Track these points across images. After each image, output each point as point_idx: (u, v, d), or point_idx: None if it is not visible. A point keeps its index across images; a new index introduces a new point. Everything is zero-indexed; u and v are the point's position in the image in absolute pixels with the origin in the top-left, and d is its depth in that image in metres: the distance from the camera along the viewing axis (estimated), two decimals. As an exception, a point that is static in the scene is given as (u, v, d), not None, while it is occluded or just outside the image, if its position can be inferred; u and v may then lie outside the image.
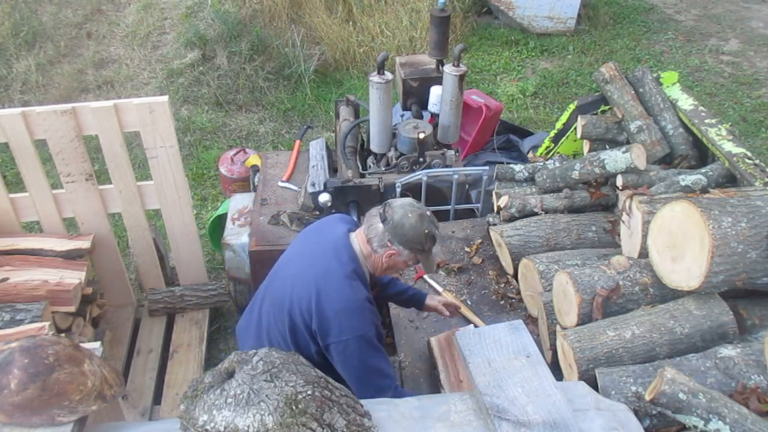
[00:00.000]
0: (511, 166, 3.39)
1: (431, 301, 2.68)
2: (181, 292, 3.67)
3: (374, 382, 2.12)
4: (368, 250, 2.22)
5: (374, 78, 3.32)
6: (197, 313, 3.69)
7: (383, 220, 2.17)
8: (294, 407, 1.27)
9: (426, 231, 2.16)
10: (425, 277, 3.02)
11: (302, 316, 2.15)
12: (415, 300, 2.68)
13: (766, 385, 1.99)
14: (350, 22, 6.52)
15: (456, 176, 3.35)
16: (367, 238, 2.21)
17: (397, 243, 2.17)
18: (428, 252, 2.24)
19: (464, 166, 3.86)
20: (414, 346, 2.73)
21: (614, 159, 2.86)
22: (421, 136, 3.40)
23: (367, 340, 2.11)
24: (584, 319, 2.35)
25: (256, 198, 3.60)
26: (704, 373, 2.05)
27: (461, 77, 3.35)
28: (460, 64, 3.33)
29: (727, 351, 2.09)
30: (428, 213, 2.22)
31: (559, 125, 3.70)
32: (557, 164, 3.24)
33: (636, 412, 1.81)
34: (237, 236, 3.38)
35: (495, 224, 3.17)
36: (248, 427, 1.24)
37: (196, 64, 6.03)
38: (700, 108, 3.20)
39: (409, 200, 2.25)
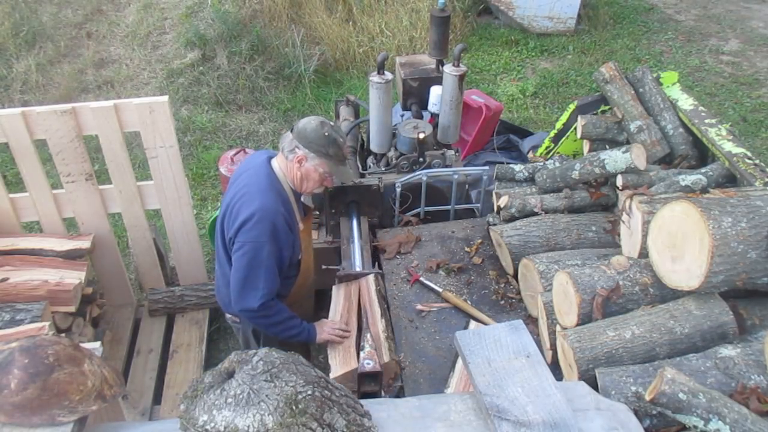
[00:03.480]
0: (511, 166, 3.39)
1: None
2: (181, 292, 3.67)
3: (248, 290, 2.39)
4: (284, 163, 2.47)
5: (374, 78, 3.32)
6: (197, 313, 3.69)
7: (291, 130, 2.44)
8: (294, 407, 1.27)
9: (326, 133, 2.37)
10: (421, 278, 3.02)
11: (228, 230, 2.44)
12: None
13: (766, 385, 1.99)
14: (350, 22, 6.52)
15: (456, 176, 3.35)
16: (281, 150, 2.47)
17: (302, 146, 2.38)
18: (335, 159, 2.42)
19: (464, 166, 3.86)
20: (414, 347, 2.73)
21: (614, 159, 2.86)
22: (421, 136, 3.40)
23: (258, 250, 2.35)
24: (584, 319, 2.35)
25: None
26: (704, 373, 2.05)
27: (461, 77, 3.35)
28: (460, 64, 3.33)
29: (727, 351, 2.09)
30: (332, 123, 2.44)
31: (559, 125, 3.70)
32: (557, 164, 3.24)
33: (636, 412, 1.81)
34: (237, 236, 3.38)
35: (495, 224, 3.17)
36: (248, 427, 1.24)
37: (196, 64, 6.03)
38: (700, 108, 3.20)
39: (315, 116, 2.47)
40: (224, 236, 2.51)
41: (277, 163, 2.50)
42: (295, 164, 2.42)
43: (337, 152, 2.41)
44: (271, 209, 2.36)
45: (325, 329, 2.57)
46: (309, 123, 2.40)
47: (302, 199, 2.60)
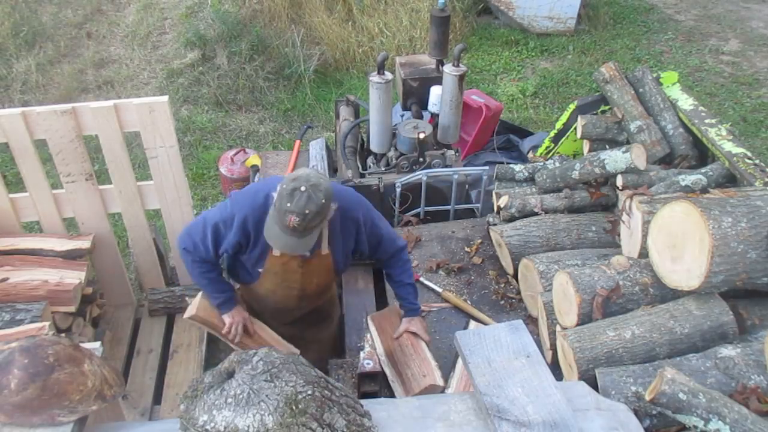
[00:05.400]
0: (511, 166, 3.39)
1: (402, 326, 2.60)
2: (181, 292, 3.66)
3: (185, 231, 2.45)
4: None
5: (374, 78, 3.32)
6: (197, 313, 3.68)
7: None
8: (294, 407, 1.27)
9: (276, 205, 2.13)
10: (421, 279, 3.02)
11: None
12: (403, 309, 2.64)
13: (766, 385, 1.99)
14: (350, 22, 6.52)
15: (456, 176, 3.35)
16: None
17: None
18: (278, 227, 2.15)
19: (464, 166, 3.86)
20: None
21: (614, 159, 2.86)
22: (421, 136, 3.40)
23: (214, 211, 2.40)
24: (584, 319, 2.35)
25: (256, 198, 3.59)
26: (704, 373, 2.05)
27: (461, 77, 3.35)
28: (460, 64, 3.33)
29: (727, 351, 2.09)
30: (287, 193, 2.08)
31: (559, 125, 3.70)
32: (557, 164, 3.24)
33: (636, 412, 1.81)
34: (237, 236, 3.38)
35: (495, 224, 3.17)
36: (248, 427, 1.24)
37: (196, 64, 6.03)
38: (700, 108, 3.20)
39: (293, 178, 2.12)
40: None
41: None
42: None
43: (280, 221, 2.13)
44: (247, 204, 2.31)
45: (235, 318, 2.55)
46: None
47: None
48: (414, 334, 2.54)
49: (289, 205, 2.05)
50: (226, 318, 2.55)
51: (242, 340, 2.57)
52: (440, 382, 2.36)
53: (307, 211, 2.05)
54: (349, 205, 2.39)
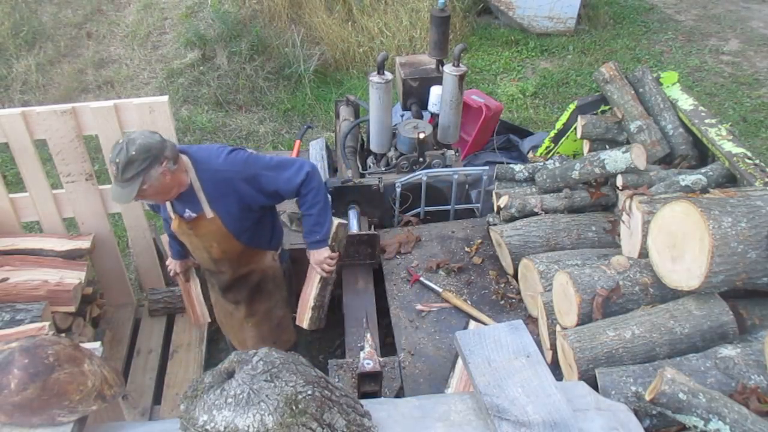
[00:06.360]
0: (511, 166, 3.39)
1: (311, 257, 2.71)
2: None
3: None
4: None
5: (374, 78, 3.32)
6: (197, 313, 3.68)
7: None
8: (294, 407, 1.27)
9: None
10: (421, 279, 3.02)
11: None
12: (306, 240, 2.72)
13: (766, 385, 1.99)
14: (350, 22, 6.52)
15: (456, 176, 3.35)
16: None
17: None
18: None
19: (464, 166, 3.86)
20: (414, 347, 2.73)
21: (614, 159, 2.86)
22: (421, 136, 3.40)
23: None
24: (584, 319, 2.35)
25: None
26: (704, 373, 2.05)
27: (461, 77, 3.35)
28: (460, 64, 3.34)
29: (727, 351, 2.09)
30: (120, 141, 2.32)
31: (559, 125, 3.70)
32: (557, 164, 3.24)
33: (636, 412, 1.81)
34: (237, 236, 3.38)
35: (495, 224, 3.17)
36: (248, 427, 1.24)
37: (196, 64, 6.03)
38: (700, 108, 3.20)
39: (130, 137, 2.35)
40: None
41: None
42: None
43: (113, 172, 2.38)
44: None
45: (172, 263, 3.01)
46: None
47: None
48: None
49: (111, 155, 2.33)
50: (169, 259, 3.05)
51: (181, 284, 3.12)
52: (304, 324, 2.72)
53: (117, 161, 2.29)
54: (218, 167, 2.50)
